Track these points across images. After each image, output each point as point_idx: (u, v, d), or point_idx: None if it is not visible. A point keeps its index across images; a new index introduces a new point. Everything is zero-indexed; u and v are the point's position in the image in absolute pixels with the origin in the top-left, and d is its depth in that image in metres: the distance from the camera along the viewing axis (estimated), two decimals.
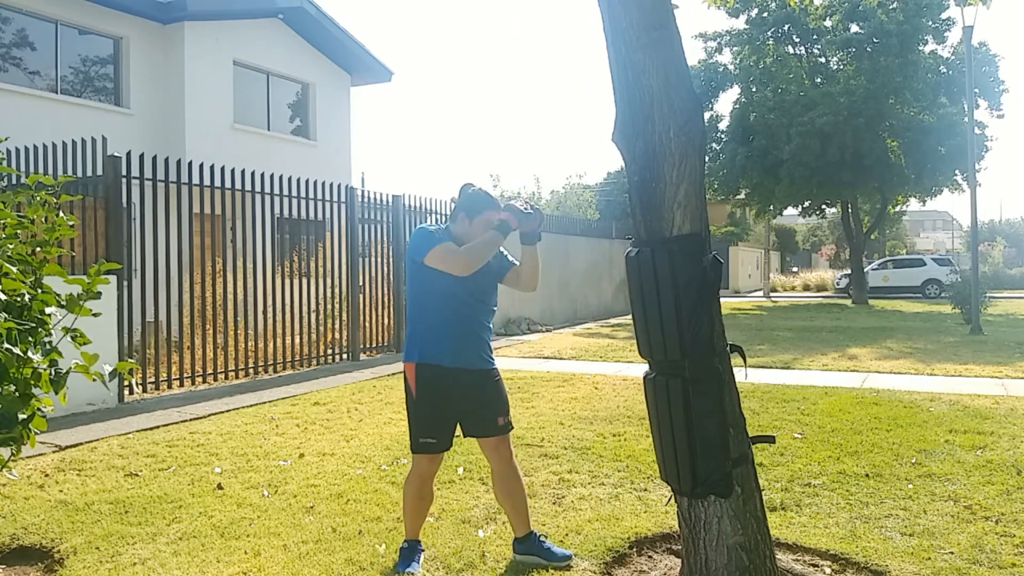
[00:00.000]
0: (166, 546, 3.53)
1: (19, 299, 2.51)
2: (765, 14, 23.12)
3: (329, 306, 10.36)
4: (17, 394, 2.41)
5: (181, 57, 13.17)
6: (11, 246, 2.61)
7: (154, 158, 8.04)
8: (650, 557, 3.39)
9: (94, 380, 2.46)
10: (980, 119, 21.70)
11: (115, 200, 7.39)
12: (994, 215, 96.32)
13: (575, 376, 8.64)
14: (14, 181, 7.83)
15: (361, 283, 10.74)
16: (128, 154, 7.65)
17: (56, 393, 2.48)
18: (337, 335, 10.44)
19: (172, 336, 8.44)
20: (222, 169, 8.68)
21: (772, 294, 32.41)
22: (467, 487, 4.35)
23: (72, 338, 2.52)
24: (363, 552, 3.41)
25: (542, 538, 3.34)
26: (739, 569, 2.70)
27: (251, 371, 8.87)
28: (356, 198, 10.72)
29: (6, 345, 2.35)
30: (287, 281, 9.73)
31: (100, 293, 2.58)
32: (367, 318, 10.80)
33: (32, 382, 2.44)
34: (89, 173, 7.61)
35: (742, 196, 25.96)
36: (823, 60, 24.09)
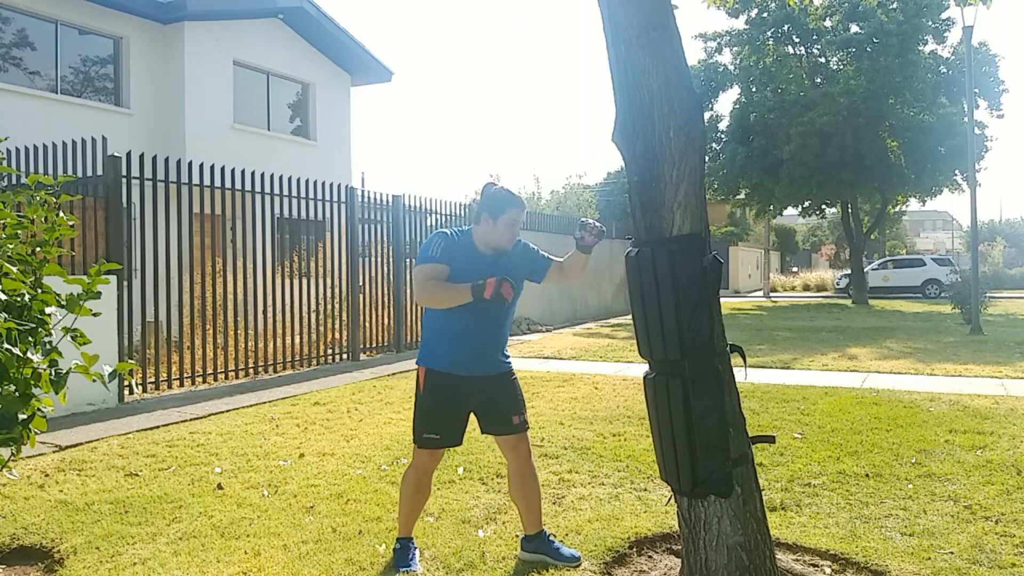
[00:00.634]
0: (166, 546, 3.53)
1: (19, 299, 2.51)
2: (765, 14, 23.12)
3: (329, 306, 10.37)
4: (17, 394, 2.41)
5: (181, 57, 13.17)
6: (11, 246, 2.61)
7: (154, 158, 8.04)
8: (650, 557, 3.39)
9: (94, 380, 2.47)
10: (980, 119, 21.71)
11: (115, 200, 7.39)
12: (994, 215, 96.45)
13: (575, 376, 8.64)
14: (14, 181, 7.83)
15: (361, 283, 10.74)
16: (128, 154, 7.65)
17: (56, 393, 2.48)
18: (337, 335, 10.44)
19: (172, 336, 8.44)
20: (222, 169, 8.67)
21: (772, 294, 32.40)
22: (467, 487, 4.35)
23: (72, 338, 2.52)
24: (363, 552, 3.41)
25: (551, 537, 3.34)
26: (739, 569, 2.70)
27: (251, 371, 8.87)
28: (356, 198, 10.72)
29: (6, 345, 2.35)
30: (287, 281, 9.73)
31: (100, 293, 2.58)
32: (367, 318, 10.80)
33: (32, 382, 2.44)
34: (89, 173, 7.61)
35: (742, 196, 25.96)
36: (823, 60, 24.09)
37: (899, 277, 29.19)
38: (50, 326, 2.57)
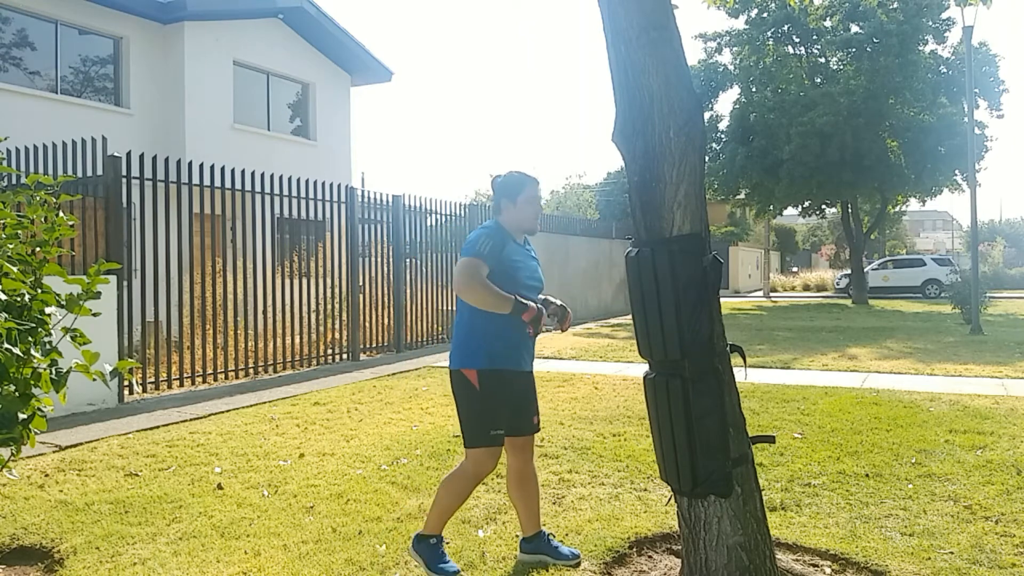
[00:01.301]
0: (166, 546, 3.53)
1: (19, 299, 2.51)
2: (765, 14, 23.12)
3: (329, 306, 10.37)
4: (17, 394, 2.41)
5: (181, 57, 13.18)
6: (11, 246, 2.61)
7: (154, 158, 8.04)
8: (650, 557, 3.39)
9: (94, 380, 2.47)
10: (980, 119, 21.71)
11: (115, 200, 7.39)
12: (994, 215, 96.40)
13: (575, 376, 8.64)
14: (14, 181, 7.83)
15: (361, 283, 10.74)
16: (128, 154, 7.65)
17: (56, 393, 2.48)
18: (337, 335, 10.44)
19: (172, 336, 8.44)
20: (222, 169, 8.68)
21: (772, 294, 32.40)
22: None
23: (72, 338, 2.52)
24: (363, 552, 3.41)
25: (550, 536, 3.34)
26: (739, 569, 2.70)
27: (251, 371, 8.87)
28: (356, 198, 10.72)
29: (6, 345, 2.35)
30: (287, 281, 9.73)
31: (100, 293, 2.58)
32: (367, 318, 10.80)
33: (32, 382, 2.44)
34: (89, 173, 7.61)
35: (742, 196, 25.96)
36: (823, 60, 24.10)
37: (899, 277, 29.19)
38: (50, 326, 2.57)
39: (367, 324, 10.79)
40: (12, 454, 2.54)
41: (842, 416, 6.17)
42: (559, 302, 3.34)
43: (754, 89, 24.11)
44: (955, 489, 4.21)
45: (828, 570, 3.20)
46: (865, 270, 26.08)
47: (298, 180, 9.66)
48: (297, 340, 9.68)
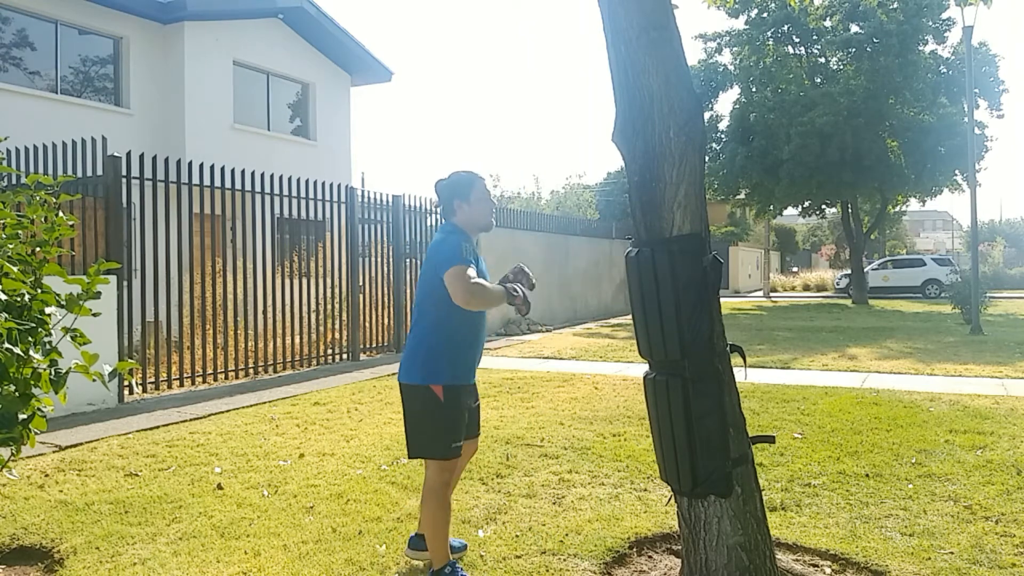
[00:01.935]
0: (166, 546, 3.53)
1: (19, 299, 2.51)
2: (765, 14, 23.12)
3: (329, 306, 10.37)
4: (17, 394, 2.41)
5: (181, 57, 13.18)
6: (11, 246, 2.61)
7: (154, 158, 8.04)
8: (650, 557, 3.39)
9: (94, 380, 2.46)
10: (980, 119, 21.72)
11: (115, 200, 7.39)
12: (994, 215, 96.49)
13: (575, 376, 8.64)
14: (14, 181, 7.83)
15: (361, 283, 10.74)
16: (128, 154, 7.65)
17: (56, 393, 2.48)
18: (337, 335, 10.44)
19: (172, 336, 8.44)
20: (222, 169, 8.67)
21: (772, 294, 32.41)
22: (467, 487, 4.35)
23: (72, 338, 2.52)
24: (363, 552, 3.41)
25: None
26: (739, 569, 2.70)
27: (251, 371, 8.87)
28: (356, 198, 10.72)
29: (6, 345, 2.35)
30: (287, 281, 9.73)
31: (100, 293, 2.58)
32: (367, 318, 10.80)
33: (32, 382, 2.44)
34: (89, 173, 7.61)
35: (742, 196, 25.96)
36: (823, 60, 24.10)
37: (899, 277, 29.19)
38: (50, 326, 2.56)
39: (367, 324, 10.79)
40: (12, 454, 2.54)
41: (842, 416, 6.17)
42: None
43: (754, 89, 24.11)
44: (955, 489, 4.21)
45: (828, 570, 3.20)
46: (865, 270, 26.08)
47: (298, 180, 9.66)
48: (297, 340, 9.68)
